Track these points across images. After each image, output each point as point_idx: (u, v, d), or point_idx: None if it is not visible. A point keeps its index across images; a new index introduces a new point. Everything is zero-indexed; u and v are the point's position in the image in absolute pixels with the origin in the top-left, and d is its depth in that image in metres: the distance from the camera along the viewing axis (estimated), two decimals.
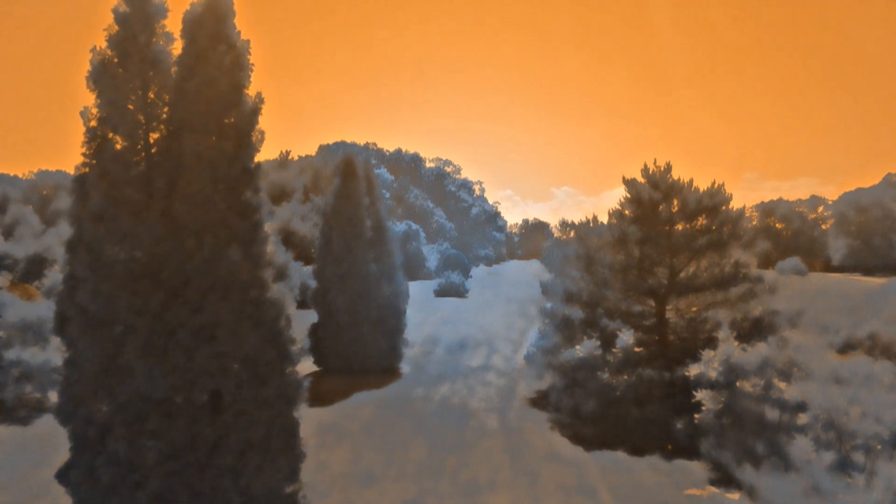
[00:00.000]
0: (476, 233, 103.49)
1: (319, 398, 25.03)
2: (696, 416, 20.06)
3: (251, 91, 13.46)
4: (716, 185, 24.89)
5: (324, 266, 28.74)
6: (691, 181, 25.63)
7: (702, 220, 25.05)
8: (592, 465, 19.17)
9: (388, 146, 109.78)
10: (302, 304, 53.40)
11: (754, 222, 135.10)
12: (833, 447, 17.81)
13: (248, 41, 13.53)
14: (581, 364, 23.22)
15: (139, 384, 11.55)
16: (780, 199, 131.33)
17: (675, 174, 25.30)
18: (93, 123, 12.70)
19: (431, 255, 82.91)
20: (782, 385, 19.56)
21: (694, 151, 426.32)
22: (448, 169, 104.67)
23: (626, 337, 22.67)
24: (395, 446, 19.60)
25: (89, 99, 13.42)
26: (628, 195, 25.59)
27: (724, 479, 18.02)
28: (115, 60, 12.77)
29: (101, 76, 12.64)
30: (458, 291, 59.09)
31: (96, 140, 12.54)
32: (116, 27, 12.87)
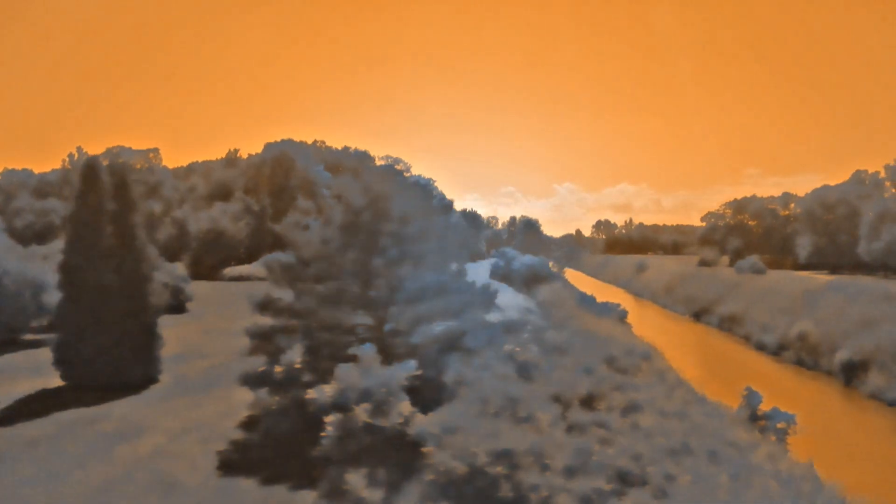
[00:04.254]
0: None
1: (17, 417, 23.98)
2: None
3: None
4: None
5: (64, 276, 27.68)
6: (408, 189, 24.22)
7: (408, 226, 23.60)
8: (205, 496, 17.86)
9: (382, 147, 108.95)
10: (176, 309, 52.42)
11: (728, 220, 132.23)
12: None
13: None
14: (261, 379, 21.93)
15: None
16: (754, 196, 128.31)
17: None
18: None
19: None
20: (405, 409, 18.06)
21: (696, 147, 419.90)
22: (398, 167, 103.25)
23: (294, 353, 21.28)
24: None
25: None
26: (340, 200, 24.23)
27: None
28: None
29: None
30: None
31: None
32: None
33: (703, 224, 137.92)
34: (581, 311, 59.86)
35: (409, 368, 19.10)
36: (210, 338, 39.21)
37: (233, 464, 20.15)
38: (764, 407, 31.57)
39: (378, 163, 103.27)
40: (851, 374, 50.59)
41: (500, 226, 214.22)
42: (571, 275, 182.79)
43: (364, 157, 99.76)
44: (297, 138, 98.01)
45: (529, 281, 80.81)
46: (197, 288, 61.06)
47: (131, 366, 27.81)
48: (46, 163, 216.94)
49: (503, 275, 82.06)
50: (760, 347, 67.80)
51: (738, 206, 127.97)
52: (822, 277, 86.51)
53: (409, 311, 24.24)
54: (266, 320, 23.64)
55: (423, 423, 17.28)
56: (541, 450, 16.52)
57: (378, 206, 23.30)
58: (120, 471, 18.97)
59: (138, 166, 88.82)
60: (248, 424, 23.88)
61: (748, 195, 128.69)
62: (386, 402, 17.74)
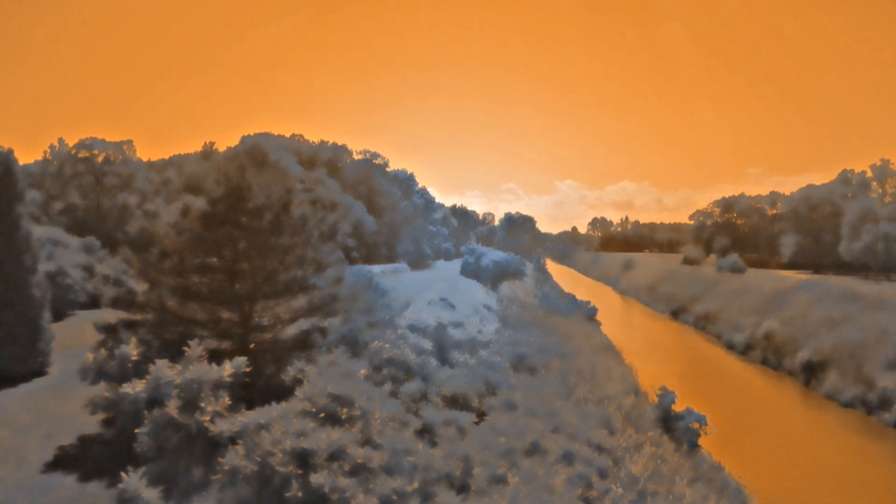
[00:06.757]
0: (404, 228, 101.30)
1: None
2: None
3: None
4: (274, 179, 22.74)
5: None
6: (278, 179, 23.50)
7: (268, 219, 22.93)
8: (14, 493, 17.22)
9: (383, 146, 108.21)
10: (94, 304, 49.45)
11: (716, 218, 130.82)
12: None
13: None
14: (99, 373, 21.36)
15: None
16: (742, 195, 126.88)
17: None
18: None
19: None
20: (220, 406, 17.39)
21: (698, 146, 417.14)
22: (377, 161, 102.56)
23: (136, 347, 20.67)
24: None
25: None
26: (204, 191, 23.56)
27: None
28: None
29: None
30: None
31: None
32: None
33: (692, 222, 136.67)
34: (535, 308, 59.07)
35: (236, 365, 18.42)
36: None
37: (67, 460, 19.52)
38: (672, 407, 30.81)
39: (356, 157, 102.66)
40: (811, 374, 49.70)
41: (496, 222, 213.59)
42: (563, 272, 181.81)
43: (341, 150, 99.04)
44: (301, 137, 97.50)
45: (496, 278, 79.98)
46: None
47: (9, 359, 27.27)
48: (28, 154, 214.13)
49: (472, 271, 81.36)
50: (730, 346, 66.87)
51: (726, 204, 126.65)
52: (797, 277, 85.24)
53: (277, 307, 23.64)
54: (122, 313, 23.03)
55: (228, 422, 16.59)
56: (342, 449, 15.77)
57: (237, 196, 22.64)
58: None
59: (112, 158, 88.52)
60: (110, 420, 23.29)
61: (751, 193, 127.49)
62: (196, 398, 17.06)
